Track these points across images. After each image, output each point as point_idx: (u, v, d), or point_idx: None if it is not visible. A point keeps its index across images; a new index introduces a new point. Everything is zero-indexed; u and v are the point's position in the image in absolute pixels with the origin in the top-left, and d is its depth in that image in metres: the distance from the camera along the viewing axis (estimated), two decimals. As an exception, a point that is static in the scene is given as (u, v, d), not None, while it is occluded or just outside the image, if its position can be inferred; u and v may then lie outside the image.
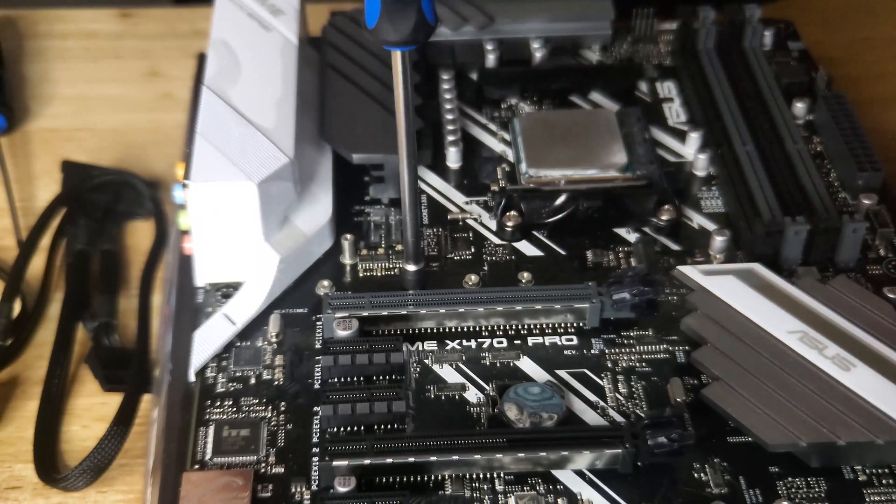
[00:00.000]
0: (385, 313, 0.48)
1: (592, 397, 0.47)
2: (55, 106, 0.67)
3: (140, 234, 0.59)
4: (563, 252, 0.53)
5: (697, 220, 0.55)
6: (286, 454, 0.45)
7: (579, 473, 0.44)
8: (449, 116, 0.59)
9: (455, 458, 0.43)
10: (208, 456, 0.45)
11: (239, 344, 0.49)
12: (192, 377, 0.48)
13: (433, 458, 0.43)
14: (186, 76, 0.63)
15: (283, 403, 0.47)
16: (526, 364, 0.48)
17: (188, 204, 0.49)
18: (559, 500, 0.43)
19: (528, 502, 0.43)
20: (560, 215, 0.54)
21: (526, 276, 0.52)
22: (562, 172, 0.55)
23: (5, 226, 0.59)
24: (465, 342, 0.49)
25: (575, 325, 0.50)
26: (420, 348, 0.49)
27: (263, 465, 0.44)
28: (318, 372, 0.48)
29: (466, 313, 0.49)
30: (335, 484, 0.43)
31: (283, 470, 0.44)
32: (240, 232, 0.49)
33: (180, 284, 0.52)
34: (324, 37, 0.62)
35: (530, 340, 0.49)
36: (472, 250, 0.53)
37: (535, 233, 0.54)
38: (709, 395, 0.46)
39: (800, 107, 0.60)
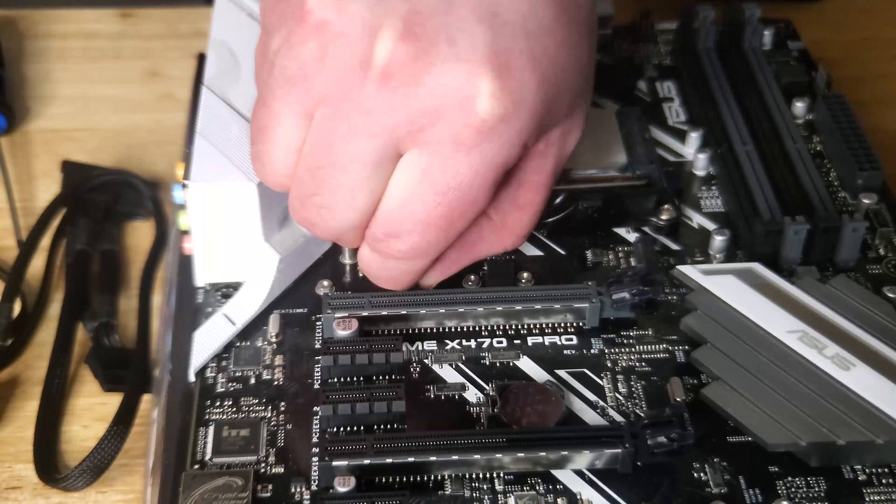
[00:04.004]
0: (385, 313, 0.48)
1: (592, 397, 0.47)
2: (55, 106, 0.67)
3: (140, 234, 0.59)
4: (562, 252, 0.53)
5: (697, 219, 0.55)
6: (286, 454, 0.45)
7: (579, 473, 0.44)
8: (449, 116, 0.59)
9: (455, 457, 0.43)
10: (208, 456, 0.45)
11: (239, 344, 0.49)
12: (191, 377, 0.48)
13: (433, 458, 0.43)
14: (187, 76, 0.63)
15: (282, 403, 0.47)
16: (526, 364, 0.48)
17: (188, 204, 0.49)
18: (559, 500, 0.43)
19: (527, 502, 0.43)
20: (559, 215, 0.54)
21: (525, 275, 0.52)
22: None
23: (5, 226, 0.59)
24: (464, 342, 0.49)
25: (574, 324, 0.50)
26: (420, 348, 0.49)
27: (263, 465, 0.44)
28: (317, 372, 0.48)
29: (466, 313, 0.49)
30: (335, 484, 0.43)
31: (282, 470, 0.44)
32: (239, 232, 0.49)
33: (180, 284, 0.52)
34: (323, 37, 0.62)
35: (530, 340, 0.49)
36: (472, 250, 0.53)
37: (534, 232, 0.54)
38: (708, 395, 0.46)
39: (799, 106, 0.60)
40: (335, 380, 0.47)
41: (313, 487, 0.44)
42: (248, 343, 0.49)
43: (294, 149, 0.45)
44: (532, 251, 0.53)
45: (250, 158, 0.47)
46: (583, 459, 0.44)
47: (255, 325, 0.50)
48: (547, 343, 0.49)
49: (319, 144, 0.43)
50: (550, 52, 0.43)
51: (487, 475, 0.44)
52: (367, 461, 0.43)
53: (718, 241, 0.53)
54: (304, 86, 0.43)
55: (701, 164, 0.57)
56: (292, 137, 0.44)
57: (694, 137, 0.58)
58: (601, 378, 0.48)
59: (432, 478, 0.44)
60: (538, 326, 0.50)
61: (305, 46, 0.42)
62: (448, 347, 0.49)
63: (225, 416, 0.46)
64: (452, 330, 0.49)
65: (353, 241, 0.47)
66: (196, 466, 0.44)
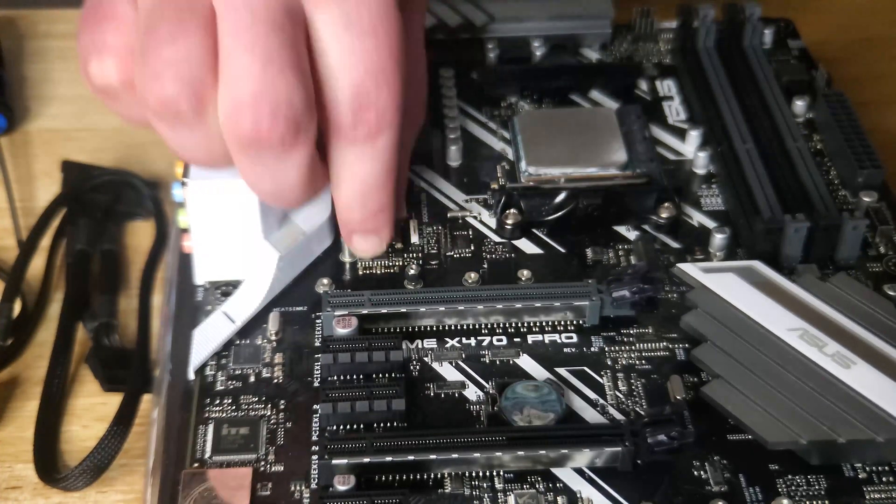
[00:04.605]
0: (384, 311, 0.48)
1: (592, 395, 0.47)
2: (55, 106, 0.67)
3: (140, 234, 0.59)
4: (562, 250, 0.53)
5: (697, 217, 0.55)
6: (285, 452, 0.45)
7: (579, 471, 0.44)
8: (449, 114, 0.59)
9: (454, 456, 0.43)
10: (207, 454, 0.45)
11: (238, 342, 0.49)
12: (191, 375, 0.48)
13: (433, 457, 0.43)
14: (186, 76, 0.63)
15: (282, 402, 0.47)
16: (525, 362, 0.48)
17: (187, 202, 0.49)
18: (559, 499, 0.43)
19: (527, 500, 0.43)
20: (560, 213, 0.54)
21: (525, 273, 0.52)
22: (562, 170, 0.55)
23: (5, 226, 0.59)
24: (464, 340, 0.49)
25: (575, 322, 0.50)
26: (419, 346, 0.49)
27: (263, 463, 0.44)
28: (317, 370, 0.48)
29: (466, 311, 0.49)
30: (334, 482, 0.43)
31: (282, 468, 0.44)
32: (239, 230, 0.49)
33: (180, 283, 0.52)
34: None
35: (530, 338, 0.49)
36: (472, 248, 0.53)
37: (534, 230, 0.54)
38: (708, 393, 0.46)
39: (800, 105, 0.60)
40: (335, 378, 0.47)
41: (313, 486, 0.44)
42: (248, 341, 0.49)
43: (204, 60, 0.42)
44: (532, 249, 0.53)
45: (147, 93, 0.43)
46: (583, 458, 0.44)
47: (255, 323, 0.50)
48: (547, 341, 0.49)
49: (241, 20, 0.42)
50: None
51: (487, 473, 0.44)
52: (366, 459, 0.43)
53: (719, 238, 0.53)
54: None
55: (701, 162, 0.57)
56: (204, 37, 0.42)
57: (694, 136, 0.58)
58: (601, 376, 0.48)
59: (432, 476, 0.44)
60: (538, 324, 0.50)
61: None
62: (448, 345, 0.49)
63: (224, 415, 0.46)
64: (452, 328, 0.49)
65: (312, 129, 0.44)
66: (196, 465, 0.44)
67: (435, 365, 0.48)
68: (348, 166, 0.46)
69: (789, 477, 0.44)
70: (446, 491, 0.43)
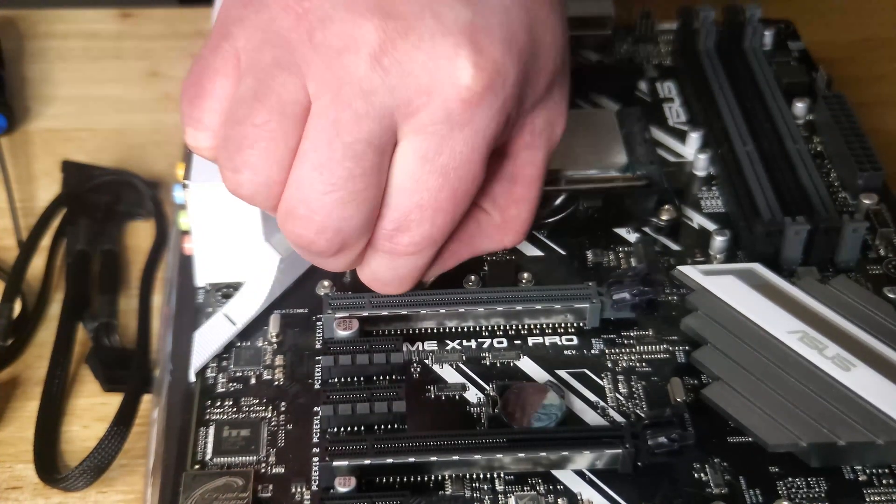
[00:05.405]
0: (385, 313, 0.48)
1: (592, 397, 0.47)
2: (55, 106, 0.67)
3: (140, 234, 0.59)
4: (563, 252, 0.53)
5: (697, 219, 0.55)
6: (286, 454, 0.45)
7: (579, 473, 0.44)
8: (449, 116, 0.59)
9: (455, 458, 0.43)
10: (208, 456, 0.45)
11: (239, 344, 0.49)
12: (192, 377, 0.48)
13: (433, 458, 0.43)
14: (186, 76, 0.63)
15: (283, 404, 0.47)
16: (526, 364, 0.48)
17: (188, 204, 0.49)
18: (559, 500, 0.43)
19: (528, 502, 0.43)
20: (560, 215, 0.54)
21: (526, 276, 0.52)
22: (562, 172, 0.55)
23: (5, 226, 0.59)
24: (465, 342, 0.49)
25: (575, 325, 0.50)
26: (420, 348, 0.49)
27: (264, 465, 0.44)
28: (318, 372, 0.48)
29: (466, 313, 0.49)
30: (335, 484, 0.43)
31: (283, 470, 0.44)
32: (240, 232, 0.49)
33: (180, 284, 0.52)
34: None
35: (530, 340, 0.49)
36: (473, 250, 0.53)
37: (535, 233, 0.54)
38: (709, 395, 0.46)
39: (800, 107, 0.60)
40: (336, 380, 0.47)
41: (314, 487, 0.44)
42: (249, 343, 0.49)
43: (285, 162, 0.43)
44: (532, 251, 0.53)
45: (225, 180, 0.44)
46: (583, 460, 0.44)
47: (256, 326, 0.50)
48: (547, 343, 0.49)
49: (323, 136, 0.42)
50: (527, 26, 0.43)
51: (488, 475, 0.44)
52: (367, 461, 0.43)
53: (719, 241, 0.53)
54: (296, 76, 0.42)
55: (701, 164, 0.57)
56: (288, 140, 0.43)
57: (694, 138, 0.58)
58: (602, 378, 0.48)
59: (433, 478, 0.44)
60: (539, 327, 0.50)
61: (293, 34, 0.42)
62: (448, 348, 0.49)
63: (225, 417, 0.46)
64: (453, 330, 0.49)
65: (359, 246, 0.45)
66: (196, 466, 0.44)
67: (436, 367, 0.48)
68: (369, 258, 0.46)
69: (789, 479, 0.44)
70: (447, 493, 0.44)
